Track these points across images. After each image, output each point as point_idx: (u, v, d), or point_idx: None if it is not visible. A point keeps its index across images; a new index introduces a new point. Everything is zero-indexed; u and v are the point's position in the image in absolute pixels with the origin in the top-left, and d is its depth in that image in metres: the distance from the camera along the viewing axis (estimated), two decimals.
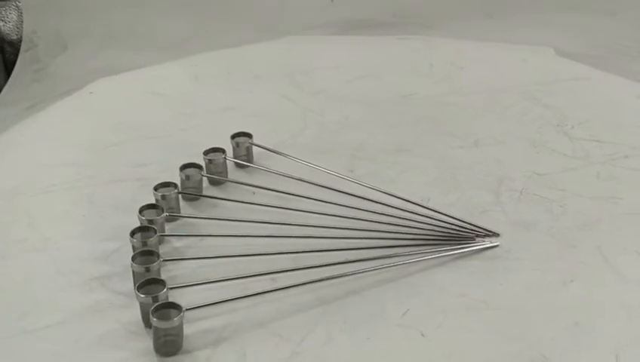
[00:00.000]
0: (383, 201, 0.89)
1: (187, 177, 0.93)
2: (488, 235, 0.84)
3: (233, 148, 0.99)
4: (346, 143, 1.03)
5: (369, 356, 0.71)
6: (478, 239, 0.83)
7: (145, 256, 0.79)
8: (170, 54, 1.26)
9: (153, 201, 0.89)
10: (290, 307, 0.76)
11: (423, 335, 0.72)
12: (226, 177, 0.96)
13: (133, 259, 0.78)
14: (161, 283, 0.76)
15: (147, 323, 0.74)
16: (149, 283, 0.75)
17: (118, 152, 1.04)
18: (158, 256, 0.79)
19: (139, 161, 1.01)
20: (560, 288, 0.77)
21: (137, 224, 0.86)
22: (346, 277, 0.78)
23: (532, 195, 0.90)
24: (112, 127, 1.09)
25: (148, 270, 0.78)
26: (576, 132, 1.02)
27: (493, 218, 0.87)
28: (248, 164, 0.97)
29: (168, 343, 0.72)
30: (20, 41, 1.31)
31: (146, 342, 0.74)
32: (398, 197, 0.89)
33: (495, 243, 0.83)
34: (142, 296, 0.73)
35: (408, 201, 0.89)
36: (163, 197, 0.89)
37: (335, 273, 0.79)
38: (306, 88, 1.18)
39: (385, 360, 0.71)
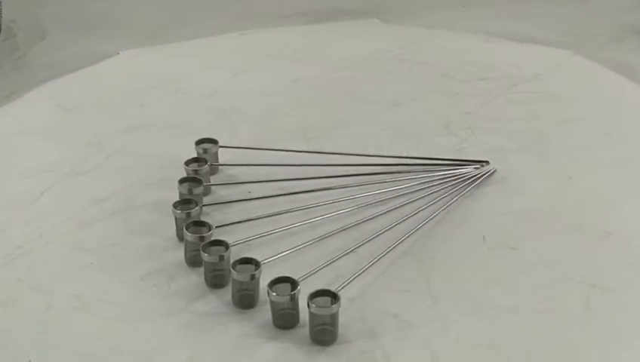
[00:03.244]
0: (381, 163, 0.94)
1: (190, 191, 0.88)
2: (482, 164, 0.95)
3: (200, 155, 0.95)
4: (289, 129, 1.05)
5: (494, 278, 0.78)
6: (475, 169, 0.94)
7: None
8: (148, 41, 1.26)
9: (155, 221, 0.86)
10: (392, 267, 0.80)
11: (515, 249, 0.82)
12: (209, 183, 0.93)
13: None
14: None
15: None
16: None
17: (57, 197, 0.93)
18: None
19: (94, 196, 0.92)
20: (568, 185, 0.92)
21: (159, 250, 0.82)
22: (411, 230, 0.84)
23: (480, 128, 1.03)
24: (17, 177, 0.96)
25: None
26: (460, 77, 1.17)
27: (470, 152, 0.98)
28: (243, 164, 0.95)
29: (327, 332, 0.71)
30: None
31: (288, 342, 0.71)
32: (388, 156, 0.96)
33: (492, 169, 0.95)
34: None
35: (399, 157, 0.96)
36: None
37: (401, 230, 0.83)
38: (195, 93, 1.15)
39: (507, 273, 0.79)
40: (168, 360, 0.70)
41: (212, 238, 0.79)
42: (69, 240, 0.85)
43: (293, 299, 0.72)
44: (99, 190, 0.93)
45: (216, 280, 0.77)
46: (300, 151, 0.97)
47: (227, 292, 0.77)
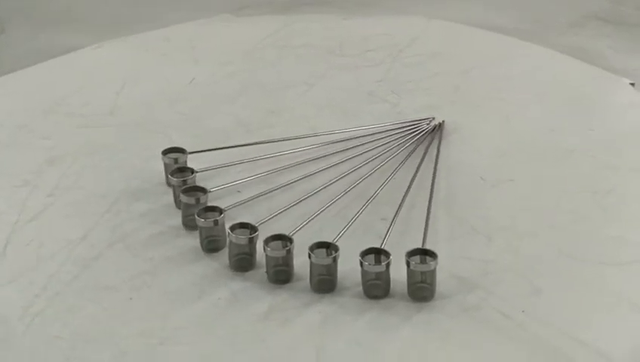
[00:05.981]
0: (344, 138, 0.95)
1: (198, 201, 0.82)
2: (430, 120, 1.00)
3: (167, 165, 0.90)
4: (227, 127, 1.01)
5: (517, 207, 0.85)
6: (427, 125, 0.99)
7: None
8: (108, 35, 1.24)
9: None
10: (407, 225, 0.81)
11: (513, 180, 0.88)
12: None
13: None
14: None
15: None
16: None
17: (27, 248, 0.80)
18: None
19: (70, 236, 0.81)
20: (511, 122, 1.01)
21: (190, 265, 0.77)
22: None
23: (401, 92, 1.08)
24: None
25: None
26: (347, 52, 1.21)
27: (409, 112, 1.03)
28: (234, 163, 0.90)
29: (425, 289, 0.72)
30: None
31: (381, 309, 0.71)
32: (351, 130, 0.97)
33: (440, 121, 1.00)
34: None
35: (355, 129, 0.97)
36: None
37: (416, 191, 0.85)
38: (91, 112, 1.05)
39: (524, 200, 0.86)
40: (302, 354, 0.67)
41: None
42: (83, 285, 0.75)
43: (387, 269, 0.71)
44: (70, 228, 0.83)
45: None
46: (278, 141, 0.94)
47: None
